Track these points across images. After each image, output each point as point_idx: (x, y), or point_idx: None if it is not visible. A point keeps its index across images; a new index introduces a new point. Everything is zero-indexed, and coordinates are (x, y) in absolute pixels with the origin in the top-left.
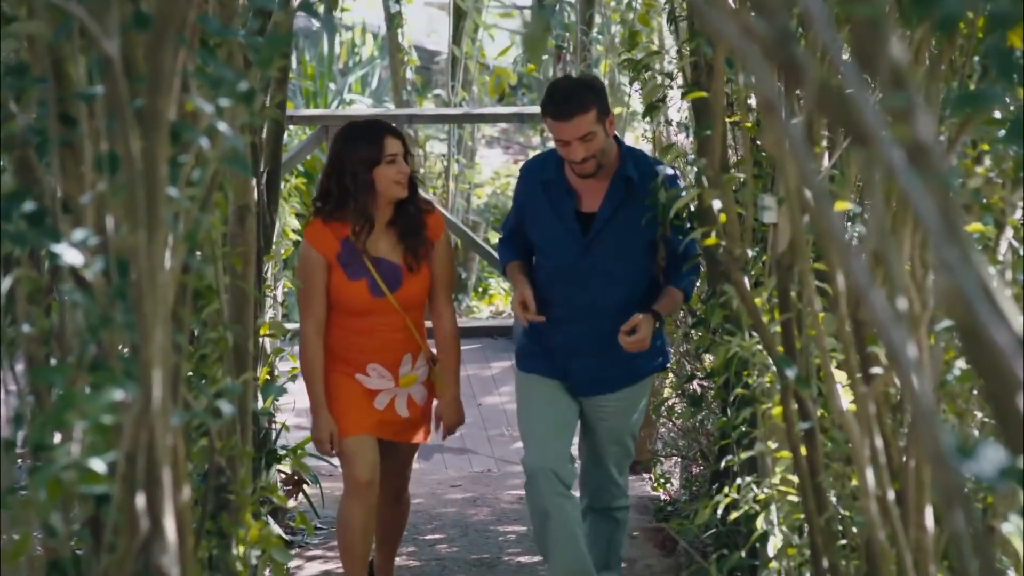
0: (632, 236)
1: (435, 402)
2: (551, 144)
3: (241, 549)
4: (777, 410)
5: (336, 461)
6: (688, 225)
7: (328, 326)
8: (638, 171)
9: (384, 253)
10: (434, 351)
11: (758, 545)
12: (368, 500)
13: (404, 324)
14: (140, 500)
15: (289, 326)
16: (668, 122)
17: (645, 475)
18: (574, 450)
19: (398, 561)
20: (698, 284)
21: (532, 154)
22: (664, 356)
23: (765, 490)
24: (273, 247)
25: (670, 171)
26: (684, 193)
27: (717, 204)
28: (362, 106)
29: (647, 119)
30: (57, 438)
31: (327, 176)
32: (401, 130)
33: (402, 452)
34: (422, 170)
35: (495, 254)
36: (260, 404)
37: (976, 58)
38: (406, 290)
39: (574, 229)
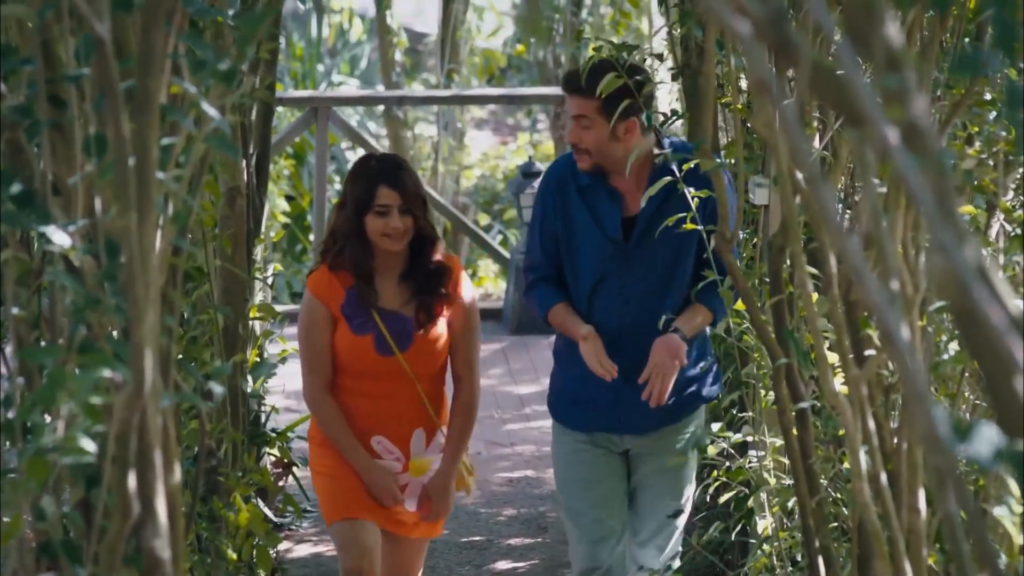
0: (679, 238)
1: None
2: (544, 128)
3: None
4: (769, 393)
5: None
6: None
7: (332, 387)
8: (679, 162)
9: (394, 306)
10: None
11: (748, 527)
12: None
13: (415, 392)
14: (131, 482)
15: (279, 308)
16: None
17: None
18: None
19: None
20: None
21: (521, 136)
22: (717, 380)
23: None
24: (263, 229)
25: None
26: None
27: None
28: (351, 88)
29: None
30: (47, 420)
31: (336, 208)
32: (407, 180)
33: (410, 545)
34: (411, 151)
35: (485, 236)
36: (250, 386)
37: (967, 40)
38: (418, 350)
39: (616, 234)
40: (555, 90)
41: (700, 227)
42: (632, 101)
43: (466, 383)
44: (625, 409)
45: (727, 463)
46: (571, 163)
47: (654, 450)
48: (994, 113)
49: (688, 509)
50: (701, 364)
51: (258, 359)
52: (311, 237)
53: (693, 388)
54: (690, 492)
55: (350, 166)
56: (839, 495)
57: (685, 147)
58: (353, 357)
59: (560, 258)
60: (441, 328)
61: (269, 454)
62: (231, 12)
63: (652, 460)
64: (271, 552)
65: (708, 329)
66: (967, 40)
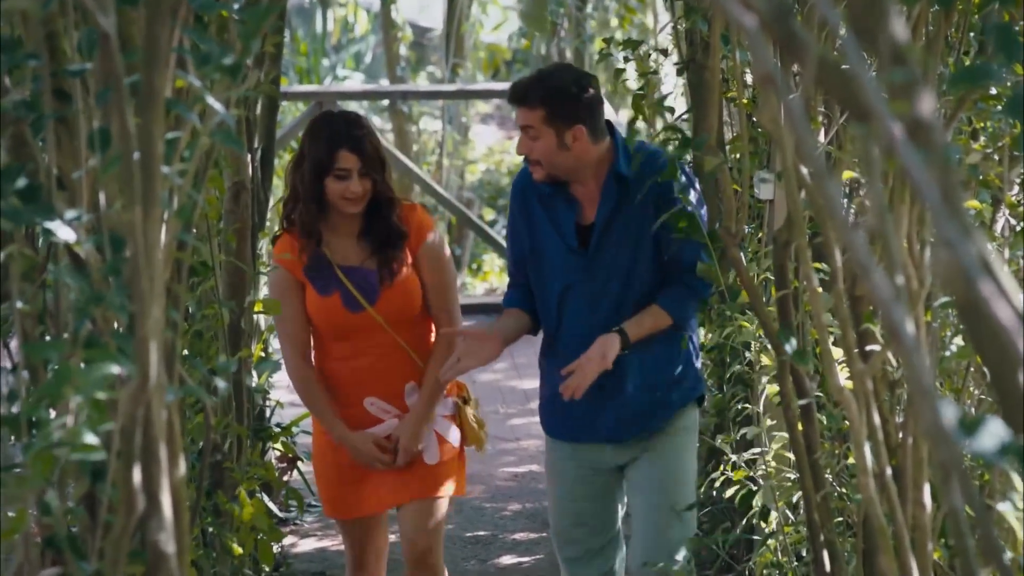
0: (635, 240)
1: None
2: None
3: (236, 526)
4: (773, 388)
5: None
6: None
7: (316, 360)
8: (631, 165)
9: (356, 261)
10: (464, 397)
11: (755, 522)
12: None
13: (396, 344)
14: (136, 476)
15: None
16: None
17: None
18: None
19: (392, 538)
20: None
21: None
22: (693, 381)
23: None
24: (267, 224)
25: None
26: (689, 184)
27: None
28: (356, 82)
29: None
30: (52, 416)
31: (291, 167)
32: (367, 143)
33: (422, 510)
34: (416, 146)
35: (489, 231)
36: (255, 381)
37: (972, 34)
38: (387, 301)
39: (571, 241)
40: None
41: (653, 228)
42: (576, 108)
43: (443, 318)
44: (601, 416)
45: (733, 458)
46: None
47: (640, 455)
48: (999, 108)
49: (689, 501)
50: (675, 368)
51: (263, 354)
52: None
53: (665, 393)
54: (688, 491)
55: (308, 123)
56: (844, 490)
57: (643, 149)
58: (324, 318)
59: (527, 267)
60: (407, 275)
61: (273, 449)
62: (236, 6)
63: (639, 466)
64: (276, 547)
65: (693, 332)
66: (972, 35)
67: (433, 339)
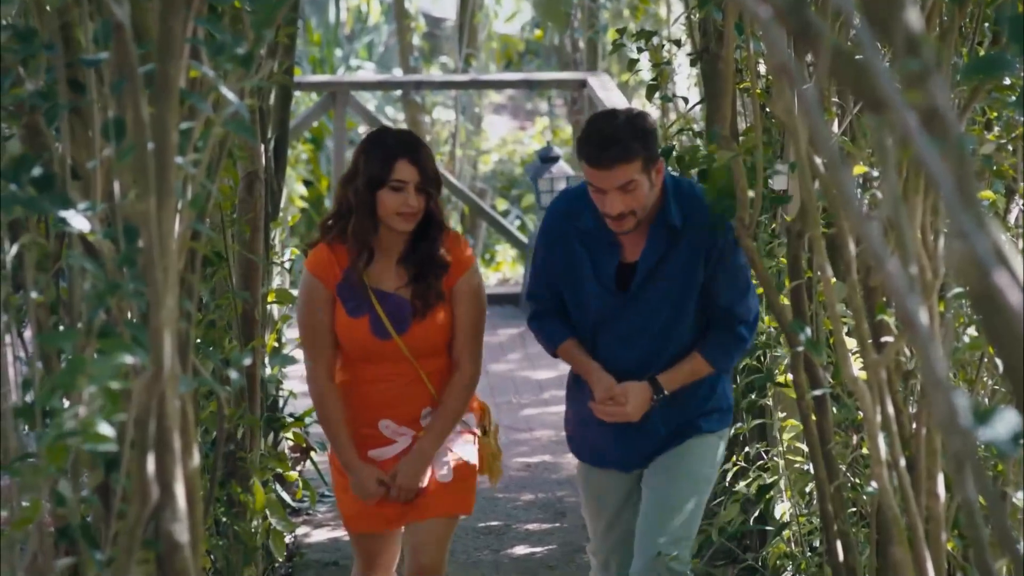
0: (681, 288)
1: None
2: (560, 111)
3: (249, 516)
4: (787, 379)
5: None
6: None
7: (338, 371)
8: (683, 214)
9: (391, 287)
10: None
11: (767, 513)
12: None
13: (416, 375)
14: (150, 466)
15: (296, 293)
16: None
17: None
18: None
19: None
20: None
21: (539, 121)
22: (727, 415)
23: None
24: (280, 214)
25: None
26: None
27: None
28: (369, 73)
29: (652, 96)
30: (66, 405)
31: (342, 181)
32: (426, 158)
33: (435, 525)
34: (429, 136)
35: (502, 221)
36: (268, 371)
37: (986, 24)
38: (415, 334)
39: (610, 284)
40: (573, 75)
41: (701, 274)
42: (657, 144)
43: (465, 368)
44: (629, 448)
45: (745, 448)
46: (573, 204)
47: (659, 462)
48: (1013, 98)
49: (704, 494)
50: (708, 404)
51: (276, 344)
52: None
53: (696, 420)
54: (703, 497)
55: (363, 138)
56: (858, 481)
57: (692, 190)
58: (349, 340)
59: (562, 293)
60: (440, 309)
61: (287, 439)
62: None
63: (658, 472)
64: (290, 537)
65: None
66: (986, 25)
67: (452, 373)
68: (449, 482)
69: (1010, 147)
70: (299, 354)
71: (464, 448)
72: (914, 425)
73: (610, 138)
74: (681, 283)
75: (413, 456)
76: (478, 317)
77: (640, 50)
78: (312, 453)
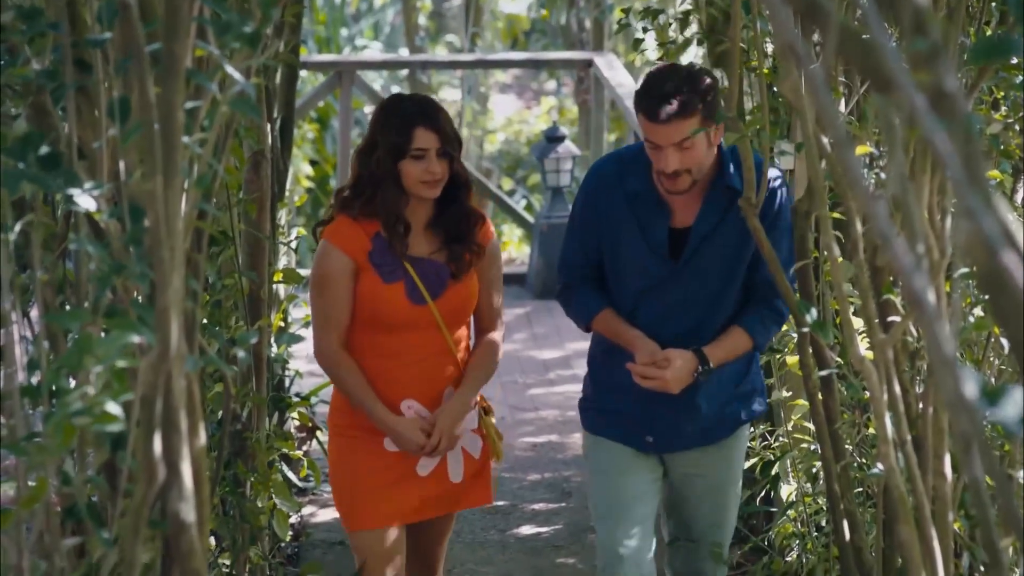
0: (734, 255)
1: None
2: (567, 89)
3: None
4: (793, 359)
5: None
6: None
7: (350, 350)
8: (741, 177)
9: (423, 252)
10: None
11: (773, 493)
12: None
13: (445, 346)
14: (156, 446)
15: (303, 272)
16: None
17: None
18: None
19: None
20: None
21: (545, 101)
22: (763, 398)
23: (781, 438)
24: (287, 194)
25: (776, 173)
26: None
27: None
28: (375, 52)
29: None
30: (72, 385)
31: (359, 154)
32: (444, 121)
33: (439, 522)
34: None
35: (508, 201)
36: (274, 350)
37: (993, 4)
38: (449, 298)
39: (662, 250)
40: (579, 54)
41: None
42: (718, 102)
43: (498, 326)
44: (658, 427)
45: (752, 429)
46: (619, 165)
47: (690, 469)
48: (1020, 77)
49: (732, 526)
50: (745, 386)
51: (282, 323)
52: None
53: (734, 408)
54: (733, 512)
55: (377, 107)
56: (864, 460)
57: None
58: (382, 307)
59: (601, 260)
60: (472, 276)
61: (293, 418)
62: None
63: (691, 481)
64: (295, 516)
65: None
66: (993, 4)
67: (471, 343)
68: (459, 482)
69: (1017, 127)
70: (305, 333)
71: (473, 446)
72: (921, 405)
73: (670, 93)
74: (735, 250)
75: (453, 403)
76: (500, 274)
77: (646, 29)
78: (318, 432)
